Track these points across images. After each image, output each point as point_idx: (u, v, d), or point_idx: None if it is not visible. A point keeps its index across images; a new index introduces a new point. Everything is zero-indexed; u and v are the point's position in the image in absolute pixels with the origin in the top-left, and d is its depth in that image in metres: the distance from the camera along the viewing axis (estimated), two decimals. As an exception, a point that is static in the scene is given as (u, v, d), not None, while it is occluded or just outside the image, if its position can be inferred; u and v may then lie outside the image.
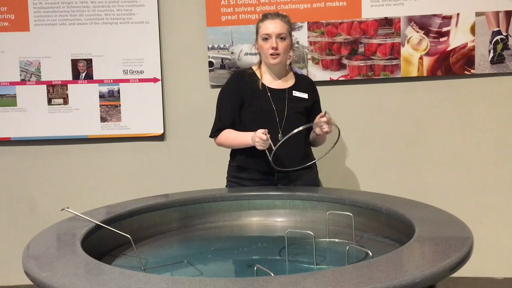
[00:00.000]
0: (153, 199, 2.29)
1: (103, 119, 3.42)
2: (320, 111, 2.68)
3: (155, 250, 2.00)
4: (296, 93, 2.59)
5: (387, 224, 2.02)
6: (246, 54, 3.31)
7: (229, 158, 2.69)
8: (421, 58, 3.26)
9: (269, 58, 2.51)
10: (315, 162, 2.58)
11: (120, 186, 3.45)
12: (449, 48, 3.25)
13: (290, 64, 2.71)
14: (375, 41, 3.27)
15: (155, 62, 3.39)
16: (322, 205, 2.23)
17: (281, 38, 2.51)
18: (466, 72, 3.26)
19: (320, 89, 2.73)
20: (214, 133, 2.60)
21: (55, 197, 3.46)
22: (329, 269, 1.61)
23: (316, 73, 3.30)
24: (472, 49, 3.24)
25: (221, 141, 2.59)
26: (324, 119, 2.37)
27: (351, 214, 2.01)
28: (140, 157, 3.48)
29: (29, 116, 3.41)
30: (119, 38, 3.37)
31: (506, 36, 3.22)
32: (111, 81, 3.40)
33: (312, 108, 2.63)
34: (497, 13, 3.20)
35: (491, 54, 3.23)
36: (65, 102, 3.41)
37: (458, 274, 1.51)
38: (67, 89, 3.41)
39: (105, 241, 1.93)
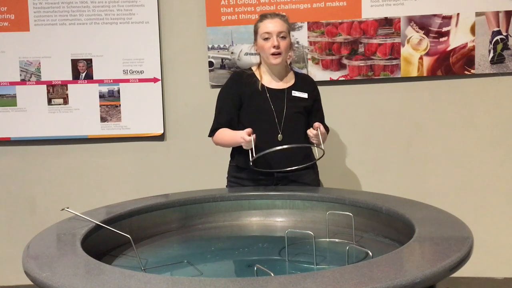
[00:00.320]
0: (153, 199, 2.29)
1: (103, 119, 3.42)
2: (321, 110, 2.69)
3: (155, 250, 2.00)
4: (295, 93, 2.59)
5: (387, 224, 2.02)
6: (246, 54, 3.32)
7: (229, 158, 2.69)
8: (421, 58, 3.26)
9: (271, 58, 2.51)
10: (297, 168, 2.50)
11: (120, 186, 3.45)
12: (449, 48, 3.25)
13: (290, 64, 2.71)
14: (375, 41, 3.27)
15: (155, 62, 3.39)
16: (322, 205, 2.23)
17: (282, 36, 2.51)
18: (466, 72, 3.26)
19: (320, 89, 2.72)
20: (211, 133, 2.62)
21: (55, 197, 3.46)
22: (329, 269, 1.60)
23: (316, 73, 3.30)
24: (472, 49, 3.24)
25: (217, 140, 2.61)
26: (314, 132, 2.40)
27: (351, 214, 2.01)
28: (140, 157, 3.48)
29: (29, 116, 3.41)
30: (119, 38, 3.37)
31: (506, 36, 3.22)
32: (111, 81, 3.40)
33: (313, 107, 2.63)
34: (497, 13, 3.20)
35: (491, 54, 3.23)
36: (65, 102, 3.41)
37: (458, 274, 1.51)
38: (67, 89, 3.41)
39: (105, 241, 1.93)
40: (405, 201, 2.12)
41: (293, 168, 2.47)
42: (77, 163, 3.48)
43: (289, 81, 2.62)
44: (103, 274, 1.43)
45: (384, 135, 3.37)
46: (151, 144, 3.46)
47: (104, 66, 3.39)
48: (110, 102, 3.41)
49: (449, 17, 3.22)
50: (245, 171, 2.57)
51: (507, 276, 3.38)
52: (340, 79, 3.32)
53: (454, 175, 3.35)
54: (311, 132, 2.42)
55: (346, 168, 3.42)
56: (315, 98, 2.65)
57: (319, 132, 2.38)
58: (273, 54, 2.50)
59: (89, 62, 3.39)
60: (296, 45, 3.29)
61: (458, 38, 3.23)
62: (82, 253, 1.62)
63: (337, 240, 2.02)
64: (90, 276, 1.45)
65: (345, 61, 3.30)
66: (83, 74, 3.40)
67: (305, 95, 2.60)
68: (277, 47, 2.48)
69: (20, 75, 3.40)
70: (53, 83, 3.40)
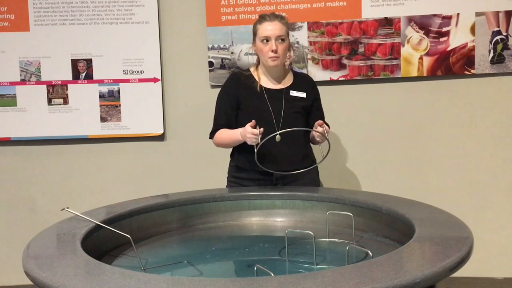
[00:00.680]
0: (153, 199, 2.29)
1: (103, 119, 3.42)
2: (321, 109, 2.68)
3: (155, 250, 2.00)
4: (293, 93, 2.59)
5: (387, 224, 2.02)
6: (246, 54, 3.31)
7: (229, 158, 2.70)
8: (421, 58, 3.26)
9: (269, 60, 2.51)
10: (302, 171, 2.49)
11: (120, 186, 3.45)
12: (449, 48, 3.25)
13: (290, 64, 2.71)
14: (375, 41, 3.27)
15: (155, 62, 3.39)
16: (322, 205, 2.23)
17: (281, 40, 2.51)
18: (466, 72, 3.26)
19: (320, 89, 2.72)
20: (211, 135, 2.63)
21: (55, 197, 3.46)
22: (329, 269, 1.61)
23: (316, 73, 3.30)
24: (472, 49, 3.24)
25: (217, 141, 2.61)
26: (320, 129, 2.38)
27: (351, 214, 2.01)
28: (140, 157, 3.48)
29: (29, 116, 3.41)
30: (119, 38, 3.37)
31: (506, 36, 3.22)
32: (111, 81, 3.40)
33: (312, 106, 2.63)
34: (497, 13, 3.20)
35: (491, 54, 3.23)
36: (65, 102, 3.41)
37: (458, 274, 1.51)
38: (67, 89, 3.41)
39: (105, 241, 1.93)
40: (405, 201, 2.12)
41: (299, 171, 2.46)
42: (77, 163, 3.48)
43: (287, 81, 2.62)
44: (103, 274, 1.43)
45: (384, 135, 3.37)
46: (151, 144, 3.46)
47: (104, 66, 3.39)
48: (110, 102, 3.41)
49: (449, 17, 3.22)
50: (245, 171, 2.57)
51: (507, 276, 3.38)
52: (340, 79, 3.32)
53: (454, 175, 3.35)
54: (317, 129, 2.40)
55: (346, 168, 3.42)
56: (314, 98, 2.64)
57: (324, 130, 2.37)
58: (270, 57, 2.50)
59: (89, 62, 3.39)
60: (296, 45, 3.29)
61: (458, 38, 3.23)
62: (82, 253, 1.62)
63: (337, 240, 2.02)
64: (90, 276, 1.45)
65: (345, 61, 3.30)
66: (83, 74, 3.40)
67: (303, 95, 2.60)
68: (275, 51, 2.49)
69: (20, 75, 3.40)
70: (53, 83, 3.40)
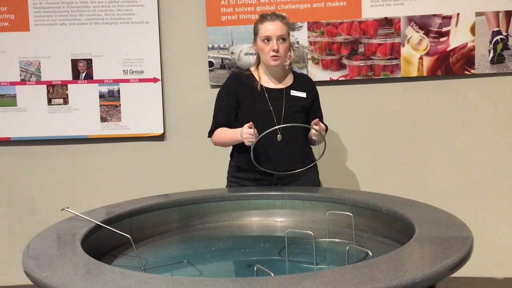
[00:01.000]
0: (153, 199, 2.29)
1: (103, 119, 3.42)
2: (320, 110, 2.68)
3: (155, 250, 2.00)
4: (294, 92, 2.59)
5: (387, 224, 2.02)
6: (246, 54, 3.31)
7: (229, 158, 2.70)
8: (421, 58, 3.26)
9: (270, 60, 2.51)
10: (299, 170, 2.49)
11: (120, 186, 3.45)
12: (449, 48, 3.25)
13: (290, 64, 2.71)
14: (375, 41, 3.27)
15: (155, 62, 3.39)
16: (322, 205, 2.23)
17: (282, 39, 2.51)
18: (466, 72, 3.26)
19: (320, 89, 2.72)
20: (210, 133, 2.63)
21: (55, 197, 3.45)
22: (329, 269, 1.60)
23: (316, 73, 3.30)
24: (472, 49, 3.24)
25: (216, 140, 2.61)
26: (316, 127, 2.39)
27: (351, 214, 2.01)
28: (140, 157, 3.48)
29: (29, 116, 3.41)
30: (119, 38, 3.37)
31: (506, 36, 3.22)
32: (111, 81, 3.40)
33: (312, 106, 2.63)
34: (497, 13, 3.20)
35: (491, 54, 3.23)
36: (65, 102, 3.41)
37: (458, 274, 1.51)
38: (67, 89, 3.41)
39: (105, 241, 1.93)
40: (405, 201, 2.12)
41: (296, 171, 2.46)
42: (77, 163, 3.48)
43: (288, 81, 2.63)
44: (103, 274, 1.43)
45: (384, 135, 3.37)
46: (151, 144, 3.46)
47: (104, 66, 3.39)
48: (110, 102, 3.41)
49: (449, 17, 3.22)
50: (245, 171, 2.57)
51: (507, 276, 3.38)
52: (340, 79, 3.32)
53: (454, 175, 3.35)
54: (312, 129, 2.42)
55: (346, 168, 3.42)
56: (314, 98, 2.65)
57: (320, 128, 2.38)
58: (272, 56, 2.50)
59: (89, 62, 3.39)
60: (296, 45, 3.29)
61: (458, 38, 3.23)
62: (82, 253, 1.62)
63: (337, 240, 2.02)
64: (90, 276, 1.45)
65: (345, 61, 3.30)
66: (83, 74, 3.40)
67: (303, 95, 2.60)
68: (277, 50, 2.49)
69: (20, 75, 3.40)
70: (53, 83, 3.40)
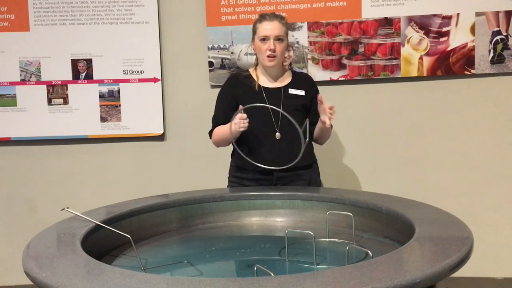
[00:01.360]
0: (153, 199, 2.29)
1: (103, 119, 3.42)
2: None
3: (155, 250, 2.00)
4: (292, 91, 2.59)
5: (387, 224, 2.01)
6: (246, 54, 3.31)
7: (229, 158, 2.70)
8: (421, 58, 3.26)
9: (266, 60, 2.52)
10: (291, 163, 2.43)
11: (120, 186, 3.45)
12: (449, 48, 3.25)
13: (290, 64, 2.71)
14: (375, 41, 3.27)
15: (155, 62, 3.39)
16: (322, 205, 2.23)
17: (279, 39, 2.51)
18: (466, 72, 3.26)
19: (320, 89, 2.72)
20: (210, 135, 2.65)
21: (55, 197, 3.45)
22: (329, 269, 1.60)
23: (316, 73, 3.30)
24: (472, 49, 3.24)
25: (215, 139, 2.63)
26: (330, 105, 2.38)
27: (351, 214, 2.01)
28: (140, 157, 3.48)
29: (29, 116, 3.41)
30: (119, 38, 3.37)
31: (506, 36, 3.22)
32: (111, 81, 3.40)
33: (312, 104, 2.63)
34: (497, 13, 3.20)
35: (491, 54, 3.23)
36: (65, 102, 3.41)
37: (458, 274, 1.51)
38: (67, 89, 3.41)
39: (105, 241, 1.93)
40: (405, 201, 2.12)
41: (294, 163, 2.41)
42: (77, 163, 3.48)
43: (286, 79, 2.63)
44: (103, 274, 1.43)
45: (384, 135, 3.37)
46: (151, 144, 3.46)
47: (104, 66, 3.39)
48: (110, 102, 3.41)
49: (449, 17, 3.22)
50: (246, 171, 2.58)
51: (507, 276, 3.38)
52: (340, 79, 3.32)
53: (454, 175, 3.35)
54: (327, 108, 2.40)
55: (346, 168, 3.42)
56: (313, 95, 2.64)
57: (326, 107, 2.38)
58: (268, 56, 2.51)
59: (89, 62, 3.39)
60: (296, 45, 3.29)
61: (458, 38, 3.23)
62: (82, 253, 1.62)
63: (337, 240, 2.02)
64: (90, 276, 1.45)
65: (345, 61, 3.30)
66: (83, 74, 3.40)
67: (302, 93, 2.60)
68: (273, 50, 2.50)
69: (20, 75, 3.40)
70: (53, 83, 3.40)
